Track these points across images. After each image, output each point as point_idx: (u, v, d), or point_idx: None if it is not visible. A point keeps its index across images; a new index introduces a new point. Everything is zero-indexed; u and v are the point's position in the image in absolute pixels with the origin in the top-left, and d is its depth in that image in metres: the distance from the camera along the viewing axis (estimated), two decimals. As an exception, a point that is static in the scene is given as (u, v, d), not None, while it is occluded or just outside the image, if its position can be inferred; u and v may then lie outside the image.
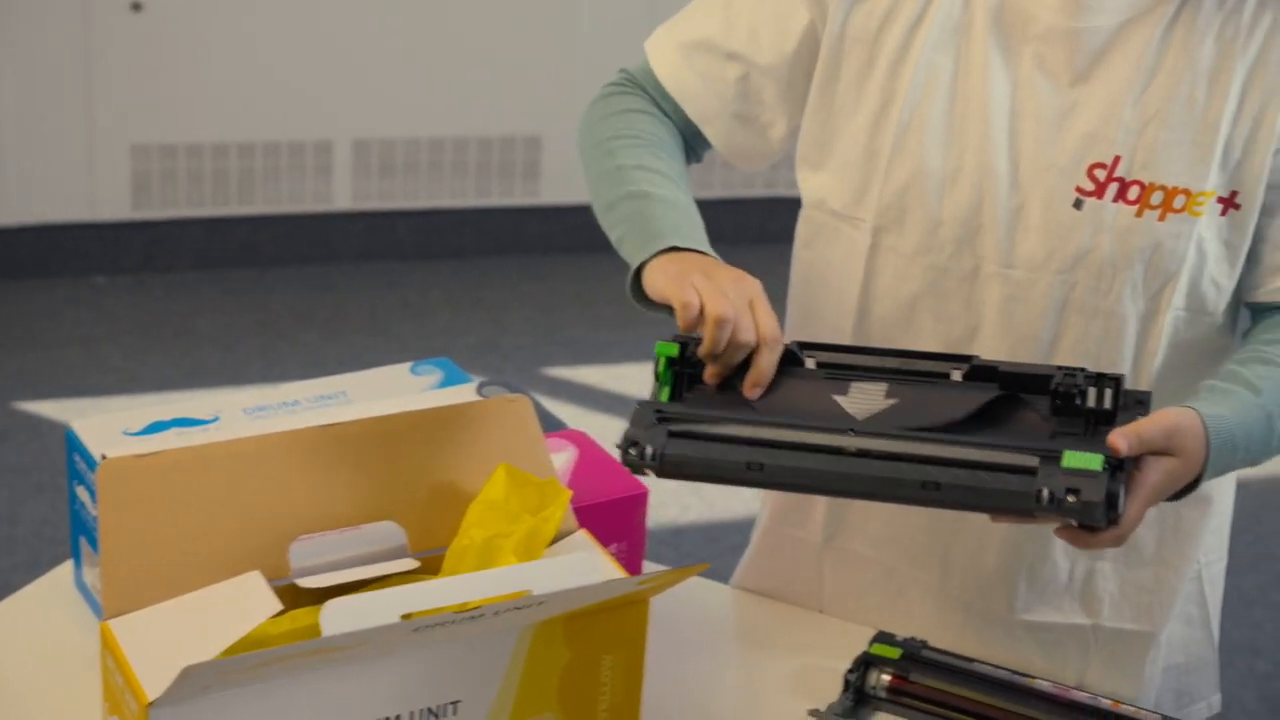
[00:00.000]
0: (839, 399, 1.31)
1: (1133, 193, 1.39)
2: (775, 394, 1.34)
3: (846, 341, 1.49)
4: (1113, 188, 1.39)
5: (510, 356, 4.20)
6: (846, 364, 1.35)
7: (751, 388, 1.33)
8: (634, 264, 1.40)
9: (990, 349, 1.44)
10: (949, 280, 1.44)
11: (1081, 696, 1.43)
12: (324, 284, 4.54)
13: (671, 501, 3.51)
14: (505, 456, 1.32)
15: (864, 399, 1.31)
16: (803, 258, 1.55)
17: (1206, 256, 1.41)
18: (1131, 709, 1.42)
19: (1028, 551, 1.52)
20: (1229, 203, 1.40)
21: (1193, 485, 1.32)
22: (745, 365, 1.36)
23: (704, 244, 1.40)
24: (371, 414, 1.28)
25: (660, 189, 1.45)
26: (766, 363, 1.33)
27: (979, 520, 1.49)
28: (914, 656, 1.46)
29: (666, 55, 1.57)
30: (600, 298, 4.57)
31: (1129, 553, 1.54)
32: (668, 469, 1.31)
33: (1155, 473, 1.27)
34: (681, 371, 1.38)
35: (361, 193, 4.61)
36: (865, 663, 1.45)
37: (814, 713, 1.39)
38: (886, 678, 1.44)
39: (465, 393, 1.49)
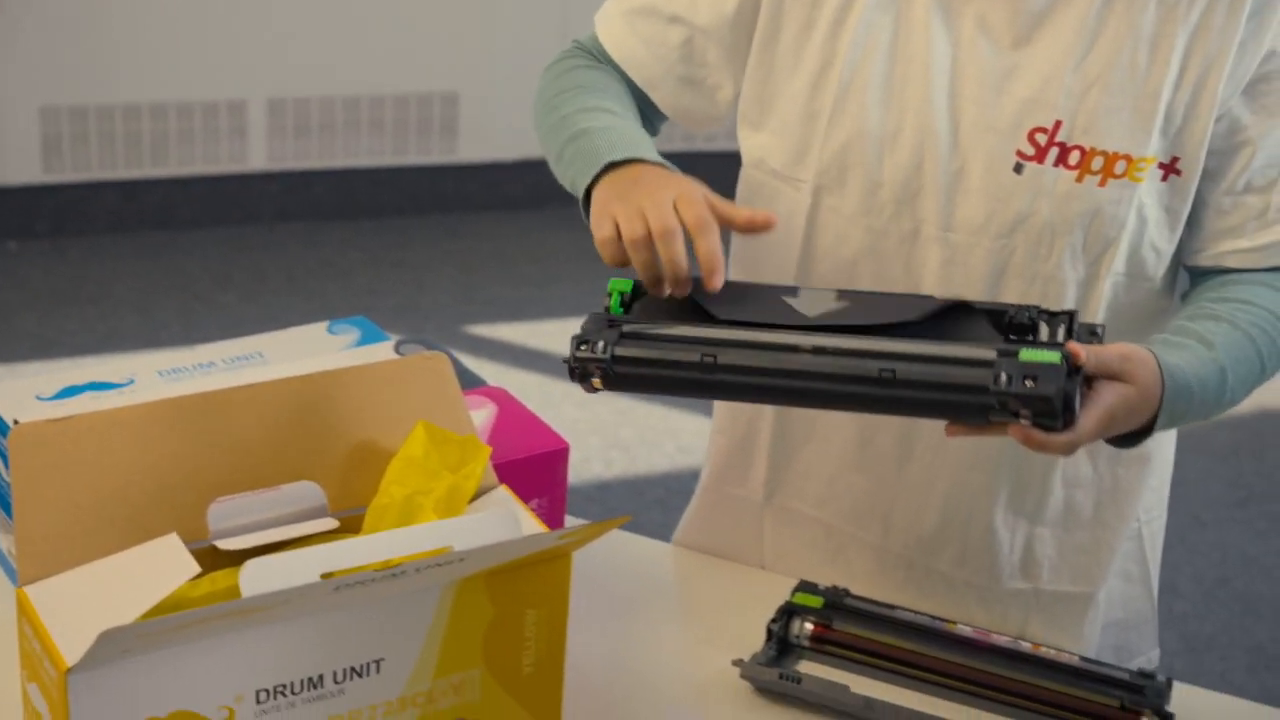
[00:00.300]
0: (790, 301, 1.28)
1: (1073, 158, 1.39)
2: (728, 302, 1.29)
3: None
4: (1053, 152, 1.39)
5: (431, 315, 4.19)
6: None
7: (709, 277, 1.27)
8: (580, 199, 1.38)
9: None
10: (889, 242, 1.44)
11: (1002, 640, 1.45)
12: (241, 245, 4.50)
13: (595, 457, 3.51)
14: (424, 414, 1.31)
15: (816, 301, 1.29)
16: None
17: (1147, 222, 1.41)
18: (1052, 651, 1.44)
19: (967, 512, 1.53)
20: (1170, 168, 1.40)
21: (1145, 431, 1.32)
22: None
23: (642, 152, 1.37)
24: (288, 374, 1.27)
25: (598, 121, 1.43)
26: (705, 248, 1.26)
27: (920, 478, 1.50)
28: (836, 605, 1.47)
29: (612, 24, 1.56)
30: (520, 255, 4.56)
31: (1067, 516, 1.55)
32: (620, 367, 1.26)
33: (1110, 394, 1.26)
34: (633, 308, 1.35)
35: (277, 153, 4.57)
36: (788, 612, 1.46)
37: (737, 662, 1.40)
38: (809, 626, 1.44)
39: (383, 351, 1.48)
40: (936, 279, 1.43)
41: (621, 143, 1.39)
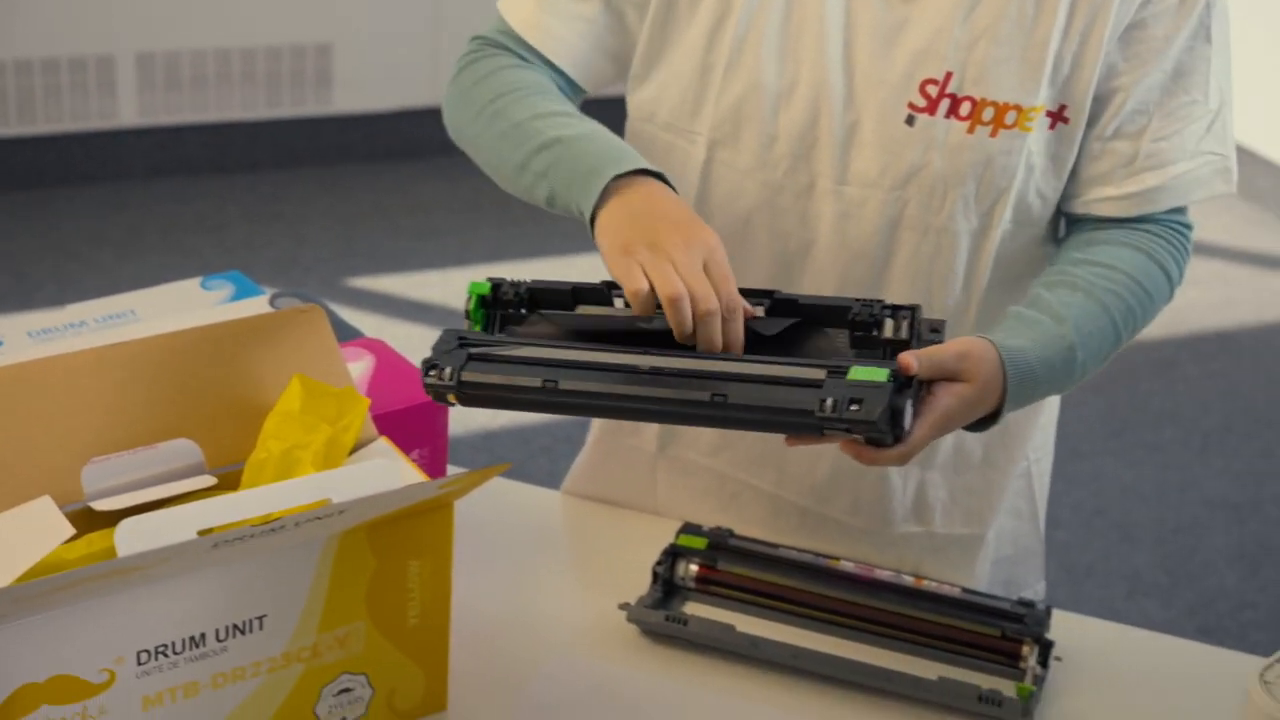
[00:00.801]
0: (643, 324, 1.29)
1: (964, 109, 1.39)
2: (583, 322, 1.32)
3: None
4: (944, 104, 1.39)
5: (311, 269, 4.15)
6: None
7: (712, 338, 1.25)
8: (586, 215, 1.31)
9: (824, 265, 1.44)
10: (784, 196, 1.44)
11: (884, 575, 1.46)
12: (115, 203, 4.43)
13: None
14: (300, 367, 1.30)
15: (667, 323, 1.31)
16: None
17: (1034, 170, 1.42)
18: (934, 584, 1.46)
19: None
20: (1058, 116, 1.41)
21: (993, 417, 1.33)
22: (553, 298, 1.33)
23: (641, 161, 1.31)
24: (161, 331, 1.26)
25: (569, 129, 1.37)
26: (734, 333, 1.24)
27: None
28: (720, 545, 1.48)
29: (521, 8, 1.50)
30: (399, 207, 4.52)
31: (958, 460, 1.56)
32: (465, 391, 1.27)
33: (947, 397, 1.27)
34: (494, 312, 1.34)
35: (148, 108, 4.49)
36: (673, 554, 1.46)
37: (623, 606, 1.41)
38: (694, 568, 1.45)
39: (257, 305, 1.46)
40: (831, 232, 1.43)
41: (614, 152, 1.32)
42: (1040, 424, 1.61)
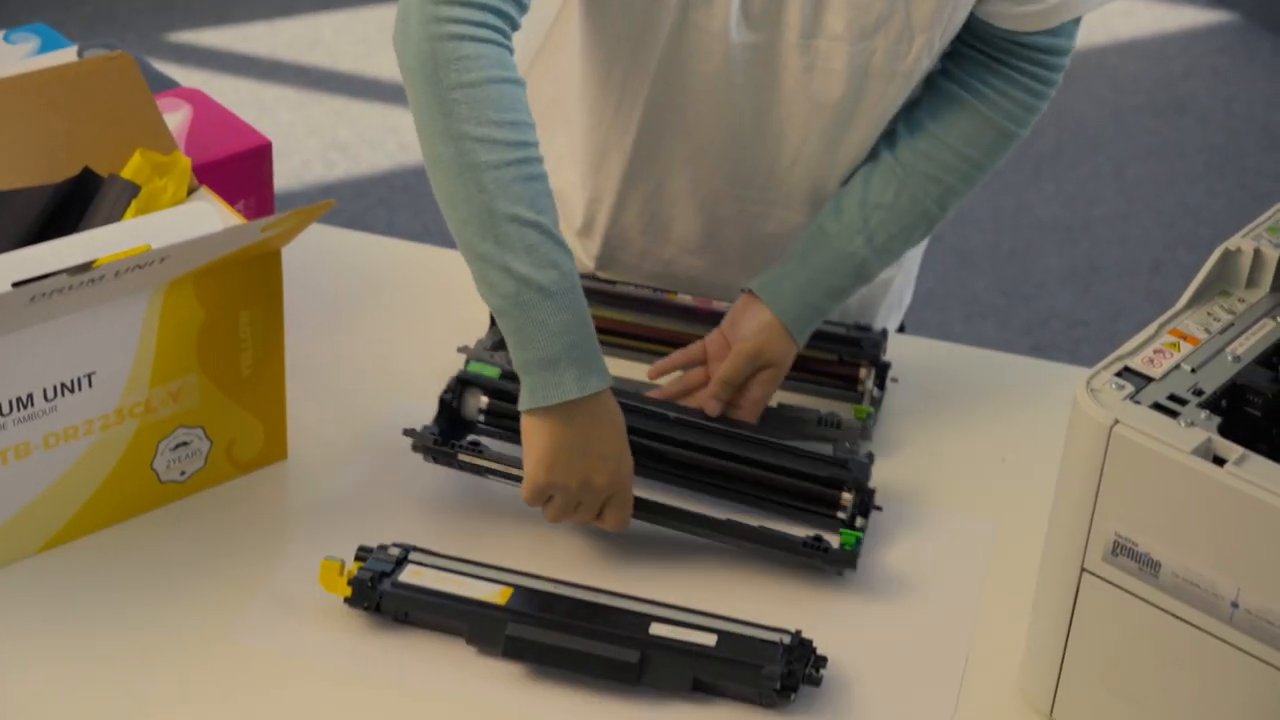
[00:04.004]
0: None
1: None
2: None
3: (639, 111, 1.41)
4: None
5: (130, 24, 4.00)
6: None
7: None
8: (521, 408, 1.24)
9: (789, 117, 1.39)
10: (753, 54, 1.38)
11: (720, 306, 1.47)
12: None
13: (315, 160, 3.44)
14: (114, 116, 1.26)
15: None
16: (595, 25, 1.40)
17: None
18: (770, 312, 1.46)
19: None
20: None
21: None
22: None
23: (595, 375, 1.24)
24: (-39, 84, 1.21)
25: (544, 275, 1.22)
26: (613, 530, 1.29)
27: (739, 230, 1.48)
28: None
29: None
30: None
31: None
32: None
33: (759, 387, 1.37)
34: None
35: None
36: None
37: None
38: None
39: (65, 57, 1.41)
40: (797, 86, 1.38)
41: (574, 352, 1.23)
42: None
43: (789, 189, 1.44)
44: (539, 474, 1.24)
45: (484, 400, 1.35)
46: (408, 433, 1.30)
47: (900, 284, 1.60)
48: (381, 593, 1.19)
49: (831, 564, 1.26)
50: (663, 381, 1.43)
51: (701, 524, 1.28)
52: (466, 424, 1.36)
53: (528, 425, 1.24)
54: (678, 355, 1.41)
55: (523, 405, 1.23)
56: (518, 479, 1.27)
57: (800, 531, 1.29)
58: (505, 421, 1.34)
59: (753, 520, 1.29)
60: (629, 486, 1.27)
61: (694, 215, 1.47)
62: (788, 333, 1.37)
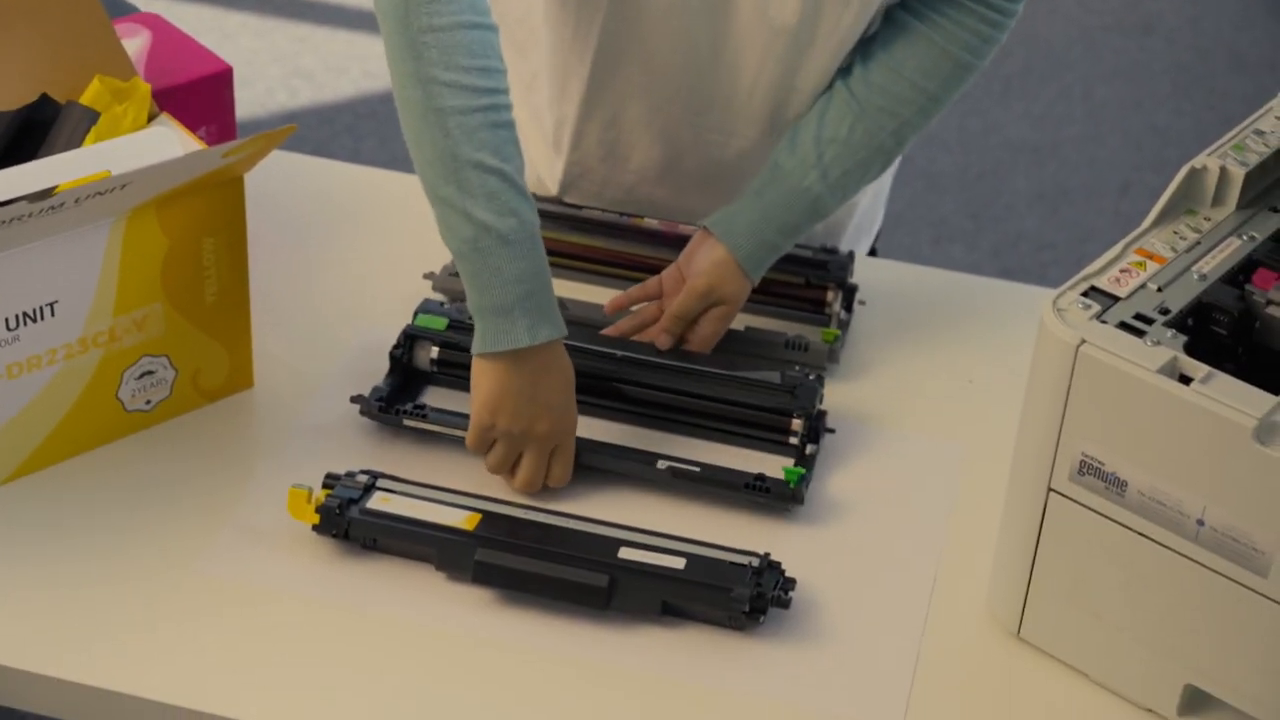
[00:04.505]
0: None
1: None
2: None
3: (595, 37, 1.38)
4: None
5: (89, -49, 3.96)
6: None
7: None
8: (473, 351, 1.25)
9: (745, 41, 1.36)
10: None
11: (687, 230, 1.46)
12: None
13: (279, 87, 3.41)
14: (71, 42, 1.24)
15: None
16: None
17: None
18: (737, 236, 1.46)
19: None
20: None
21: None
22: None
23: (547, 325, 1.24)
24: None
25: (502, 221, 1.22)
26: (555, 484, 1.28)
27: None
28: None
29: None
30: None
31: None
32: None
33: (710, 324, 1.37)
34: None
35: None
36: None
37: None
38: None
39: (21, -19, 1.39)
40: (753, 9, 1.35)
41: (528, 302, 1.23)
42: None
43: (748, 117, 1.43)
44: (483, 416, 1.24)
45: (434, 351, 1.35)
46: (355, 399, 1.31)
47: (868, 206, 1.60)
48: (350, 520, 1.19)
49: (776, 501, 1.26)
50: (618, 320, 1.42)
51: (648, 467, 1.28)
52: (421, 375, 1.36)
53: (477, 369, 1.25)
54: (634, 290, 1.41)
55: (475, 349, 1.24)
56: (462, 438, 1.28)
57: (756, 459, 1.29)
58: (457, 371, 1.34)
59: (708, 452, 1.30)
60: (572, 440, 1.27)
61: (653, 143, 1.46)
62: (741, 269, 1.37)
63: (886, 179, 1.61)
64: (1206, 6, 3.96)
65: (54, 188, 1.09)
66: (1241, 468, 1.00)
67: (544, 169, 1.53)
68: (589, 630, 1.16)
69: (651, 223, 1.48)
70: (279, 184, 1.53)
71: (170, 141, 1.15)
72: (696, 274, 1.37)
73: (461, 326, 1.33)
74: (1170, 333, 1.07)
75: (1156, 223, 1.17)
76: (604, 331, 1.38)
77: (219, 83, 1.40)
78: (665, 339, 1.37)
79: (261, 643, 1.14)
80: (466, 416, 1.27)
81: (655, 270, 1.42)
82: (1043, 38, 3.80)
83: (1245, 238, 1.17)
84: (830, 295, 1.44)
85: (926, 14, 1.38)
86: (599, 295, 1.44)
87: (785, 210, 1.37)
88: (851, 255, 1.46)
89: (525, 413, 1.24)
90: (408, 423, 1.30)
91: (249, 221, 1.28)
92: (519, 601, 1.18)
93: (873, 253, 1.66)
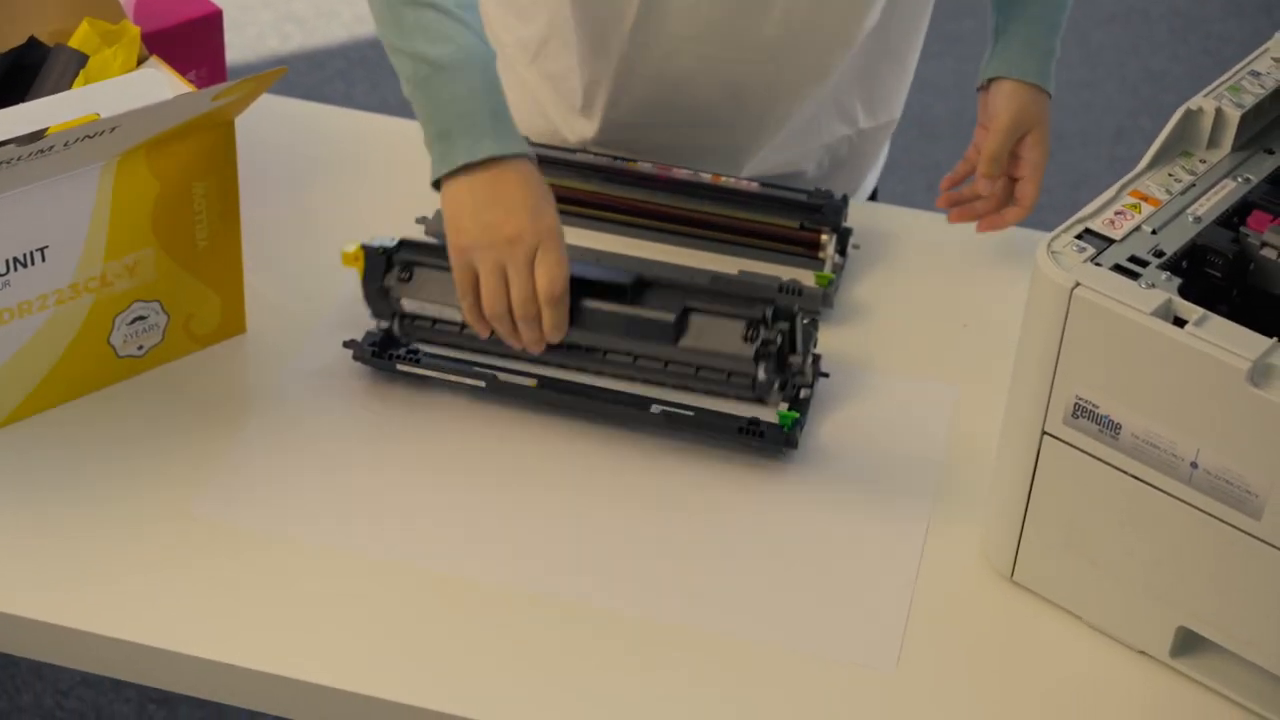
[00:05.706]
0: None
1: None
2: None
3: None
4: None
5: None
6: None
7: (548, 339, 1.23)
8: (431, 179, 1.23)
9: None
10: None
11: (681, 174, 1.45)
12: None
13: (270, 32, 3.39)
14: (58, -15, 1.23)
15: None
16: None
17: None
18: (732, 180, 1.45)
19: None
20: None
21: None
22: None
23: (489, 140, 1.22)
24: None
25: (443, 49, 1.23)
26: (551, 321, 1.21)
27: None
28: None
29: None
30: None
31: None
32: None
33: (1031, 150, 1.44)
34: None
35: None
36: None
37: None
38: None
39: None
40: None
41: (473, 118, 1.22)
42: (906, 83, 1.63)
43: (799, 57, 1.42)
44: (451, 243, 1.21)
45: (399, 274, 1.30)
46: (348, 344, 1.30)
47: (871, 146, 1.59)
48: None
49: (770, 445, 1.26)
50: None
51: (641, 411, 1.27)
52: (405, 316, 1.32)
53: (441, 203, 1.23)
54: (960, 165, 1.48)
55: (431, 180, 1.23)
56: (456, 383, 1.28)
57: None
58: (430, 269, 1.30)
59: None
60: (554, 244, 1.21)
61: (698, 91, 1.45)
62: (1033, 87, 1.42)
63: (891, 124, 1.60)
64: (1203, -50, 3.94)
65: (44, 130, 1.09)
66: (1235, 410, 1.00)
67: (566, 129, 1.51)
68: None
69: (646, 166, 1.47)
70: (270, 128, 1.52)
71: (159, 84, 1.14)
72: (994, 115, 1.42)
73: (413, 244, 1.31)
74: (1165, 275, 1.06)
75: (1151, 165, 1.17)
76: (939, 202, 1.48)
77: (209, 26, 1.39)
78: (985, 184, 1.43)
79: (254, 587, 1.14)
80: (460, 362, 1.27)
81: (650, 215, 1.41)
82: (1038, -18, 3.78)
83: (1240, 180, 1.17)
84: (824, 239, 1.43)
85: None
86: (593, 240, 1.44)
87: (1051, 8, 1.44)
88: (845, 199, 1.45)
89: (486, 218, 1.20)
90: (401, 367, 1.29)
91: (240, 166, 1.27)
92: (503, 557, 1.18)
93: (874, 195, 1.66)
